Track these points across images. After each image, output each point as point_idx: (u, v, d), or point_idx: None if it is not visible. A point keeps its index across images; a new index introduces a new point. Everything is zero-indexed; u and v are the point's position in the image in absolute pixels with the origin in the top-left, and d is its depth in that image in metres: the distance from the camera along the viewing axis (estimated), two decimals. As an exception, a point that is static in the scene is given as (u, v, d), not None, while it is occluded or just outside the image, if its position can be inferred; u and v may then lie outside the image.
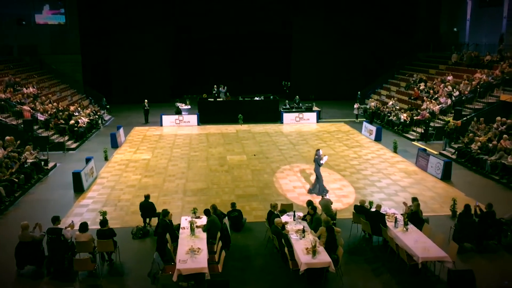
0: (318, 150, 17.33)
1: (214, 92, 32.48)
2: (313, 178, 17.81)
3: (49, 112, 25.79)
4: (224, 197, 16.68)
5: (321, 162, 16.75)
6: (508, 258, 12.27)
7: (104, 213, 13.54)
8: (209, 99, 31.65)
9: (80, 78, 36.07)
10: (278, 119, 30.89)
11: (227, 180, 18.72)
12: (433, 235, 12.06)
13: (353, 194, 17.10)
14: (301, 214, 13.20)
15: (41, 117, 24.82)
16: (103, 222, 12.06)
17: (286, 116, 30.69)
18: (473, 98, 26.04)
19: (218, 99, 31.56)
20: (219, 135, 27.14)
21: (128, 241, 13.14)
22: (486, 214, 12.97)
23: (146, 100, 31.16)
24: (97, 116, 29.70)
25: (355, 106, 31.97)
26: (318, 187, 16.91)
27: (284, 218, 12.91)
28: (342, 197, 16.68)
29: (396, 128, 27.90)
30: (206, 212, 12.55)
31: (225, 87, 32.47)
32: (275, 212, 12.94)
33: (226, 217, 13.50)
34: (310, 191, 17.00)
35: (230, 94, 32.55)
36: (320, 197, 15.76)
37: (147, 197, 14.08)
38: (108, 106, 33.81)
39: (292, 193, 17.08)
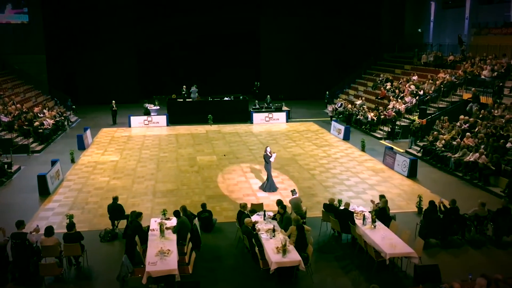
0: (267, 147, 17.55)
1: (183, 92, 32.26)
2: (265, 175, 17.85)
3: (12, 114, 25.06)
4: (194, 198, 16.59)
5: (271, 159, 16.96)
6: (471, 253, 12.54)
7: (70, 217, 13.26)
8: (178, 100, 31.43)
9: (45, 79, 35.17)
10: (248, 119, 30.91)
11: (197, 181, 18.63)
12: (400, 231, 12.22)
13: (322, 192, 17.29)
14: (271, 214, 13.22)
15: (4, 119, 24.10)
16: (70, 226, 11.81)
17: (256, 116, 30.74)
18: (437, 97, 26.65)
19: (187, 100, 31.38)
20: (189, 135, 26.99)
21: (96, 245, 12.92)
22: (450, 210, 13.21)
23: (113, 101, 30.66)
24: (63, 118, 29.06)
25: (329, 107, 31.70)
26: (267, 184, 17.13)
27: (254, 217, 12.89)
28: (311, 196, 16.81)
29: (363, 127, 28.28)
30: (176, 214, 12.45)
31: (196, 87, 32.31)
32: (245, 212, 12.94)
33: (196, 218, 13.41)
34: (261, 187, 17.36)
35: (200, 94, 32.40)
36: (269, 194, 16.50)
37: (115, 199, 13.89)
38: (74, 107, 33.13)
39: (262, 193, 17.08)
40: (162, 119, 29.93)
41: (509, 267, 11.67)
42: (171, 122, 30.01)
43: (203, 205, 14.06)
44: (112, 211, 13.78)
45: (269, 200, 15.93)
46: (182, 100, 31.26)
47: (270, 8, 39.03)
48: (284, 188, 17.58)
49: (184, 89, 32.33)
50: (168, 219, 12.87)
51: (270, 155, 17.11)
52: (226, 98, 31.46)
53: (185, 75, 37.44)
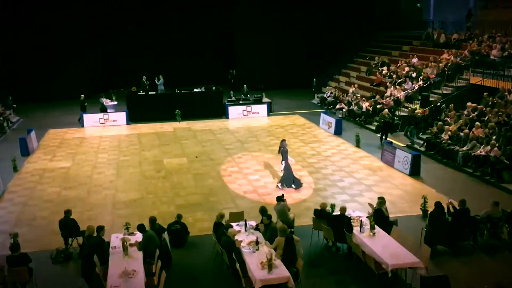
0: (283, 141, 18.32)
1: (145, 84, 31.98)
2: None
3: None
4: (162, 208, 16.58)
5: (292, 161, 18.36)
6: (485, 260, 12.70)
7: (15, 236, 13.05)
8: (139, 93, 31.19)
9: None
10: (223, 114, 30.87)
11: (165, 187, 18.60)
12: (403, 238, 12.33)
13: (313, 197, 17.35)
14: (254, 223, 13.27)
15: None
16: (15, 246, 11.67)
17: (232, 110, 30.74)
18: (441, 82, 27.05)
19: (150, 93, 31.16)
20: (153, 135, 26.87)
21: (47, 267, 12.81)
22: (460, 212, 13.40)
23: (82, 96, 30.56)
24: (1, 118, 28.62)
25: (338, 106, 30.24)
26: (287, 178, 17.92)
27: (234, 228, 12.90)
28: (300, 201, 16.92)
29: (358, 119, 28.55)
30: (141, 227, 12.38)
31: (161, 78, 32.14)
32: (223, 222, 12.94)
33: (166, 232, 13.37)
34: (278, 184, 18.10)
35: (165, 86, 32.29)
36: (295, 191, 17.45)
37: (68, 213, 13.80)
38: (15, 106, 32.60)
39: (243, 200, 17.16)
40: (121, 116, 29.73)
41: (528, 275, 11.95)
42: (131, 119, 29.82)
43: (178, 216, 14.13)
44: (64, 227, 13.66)
45: (251, 209, 15.91)
46: (144, 93, 31.07)
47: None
48: (267, 193, 17.71)
49: (145, 80, 32.07)
50: (132, 234, 12.80)
51: (286, 150, 18.18)
52: (196, 90, 31.28)
53: (148, 64, 37.16)
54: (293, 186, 17.99)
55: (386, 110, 24.84)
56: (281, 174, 18.56)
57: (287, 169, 18.17)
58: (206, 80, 36.35)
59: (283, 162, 18.16)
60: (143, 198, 17.57)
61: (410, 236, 12.62)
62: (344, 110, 29.72)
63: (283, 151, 18.21)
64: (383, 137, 23.87)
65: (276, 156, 22.07)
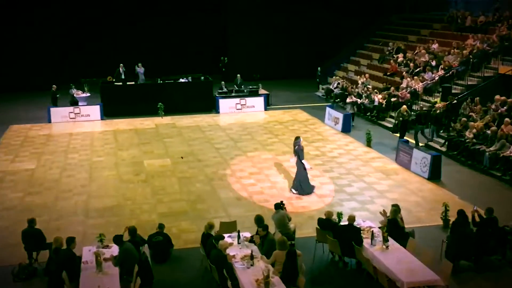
0: (297, 138, 18.38)
1: (120, 73, 31.89)
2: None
3: None
4: (143, 217, 16.55)
5: (307, 166, 18.26)
6: (515, 277, 12.88)
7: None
8: (116, 83, 31.14)
9: None
10: (213, 108, 30.95)
11: (146, 193, 18.60)
12: (420, 252, 12.32)
13: (316, 204, 17.36)
14: (248, 235, 13.28)
15: None
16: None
17: (223, 103, 30.79)
18: (465, 72, 27.04)
19: (128, 83, 31.09)
20: (132, 132, 26.88)
21: (7, 285, 12.68)
22: (486, 221, 13.35)
23: (54, 86, 30.57)
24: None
25: (348, 99, 29.02)
26: (299, 184, 18.03)
27: (226, 241, 12.89)
28: (302, 209, 16.94)
29: (369, 114, 28.61)
30: (117, 240, 12.32)
31: (141, 67, 32.07)
32: (213, 233, 12.92)
33: (146, 245, 13.35)
34: (292, 189, 18.26)
35: (146, 75, 32.21)
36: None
37: (32, 222, 13.69)
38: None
39: (235, 208, 17.12)
40: (95, 110, 29.73)
41: None
42: (107, 114, 29.82)
43: (160, 225, 14.06)
44: (28, 239, 13.51)
45: (247, 218, 15.91)
46: (121, 83, 31.01)
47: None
48: (264, 199, 17.72)
49: (121, 69, 31.99)
50: (107, 247, 12.77)
51: (302, 148, 18.27)
52: (182, 80, 31.33)
53: (126, 50, 37.10)
54: (306, 191, 18.09)
55: (405, 106, 24.47)
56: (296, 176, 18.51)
57: (301, 171, 18.19)
58: (193, 69, 36.46)
59: (303, 162, 18.17)
60: (120, 205, 17.52)
61: (429, 250, 12.62)
62: (356, 103, 28.83)
63: (298, 150, 18.17)
64: (403, 138, 23.57)
65: (275, 157, 22.16)
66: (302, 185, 18.16)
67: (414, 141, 22.89)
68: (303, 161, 18.23)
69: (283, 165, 21.14)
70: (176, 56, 39.26)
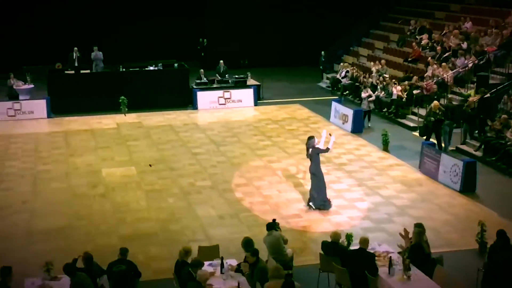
0: (311, 138, 18.36)
1: (74, 59, 31.70)
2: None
3: None
4: (101, 241, 16.43)
5: (329, 146, 18.25)
6: None
7: None
8: (67, 71, 30.93)
9: None
10: (189, 103, 31.03)
11: (105, 210, 18.53)
12: (450, 283, 12.29)
13: (320, 223, 17.31)
14: (234, 263, 13.16)
15: None
16: None
17: (203, 97, 30.86)
18: (506, 57, 26.98)
19: (82, 71, 30.91)
20: (88, 133, 26.89)
21: None
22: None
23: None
24: None
25: (363, 94, 28.47)
26: (316, 195, 18.04)
27: (206, 269, 12.79)
28: (301, 230, 16.92)
29: (385, 110, 28.48)
30: (68, 269, 12.19)
31: (99, 51, 31.91)
32: (189, 261, 12.79)
33: (105, 276, 13.21)
34: (310, 203, 18.34)
35: (106, 60, 31.99)
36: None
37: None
38: None
39: (218, 229, 17.05)
40: (40, 106, 29.67)
41: None
42: (55, 110, 29.82)
43: (123, 251, 13.79)
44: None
45: (231, 242, 15.77)
46: (73, 72, 30.79)
47: None
48: (254, 218, 17.63)
49: (76, 54, 31.77)
50: (55, 278, 12.68)
51: (316, 146, 18.23)
52: (150, 68, 31.32)
53: (80, 31, 36.87)
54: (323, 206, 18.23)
55: (437, 102, 23.83)
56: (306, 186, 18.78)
57: (320, 180, 18.25)
58: (164, 54, 36.40)
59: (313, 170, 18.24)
60: (72, 226, 17.42)
61: (461, 280, 12.59)
62: (371, 98, 28.20)
63: (313, 154, 18.14)
64: (440, 143, 23.33)
65: (267, 165, 22.02)
66: (319, 196, 18.28)
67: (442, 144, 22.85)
68: (330, 147, 18.33)
69: (277, 174, 21.04)
70: (143, 39, 39.16)
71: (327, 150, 18.19)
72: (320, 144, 18.26)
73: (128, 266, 13.47)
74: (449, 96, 26.74)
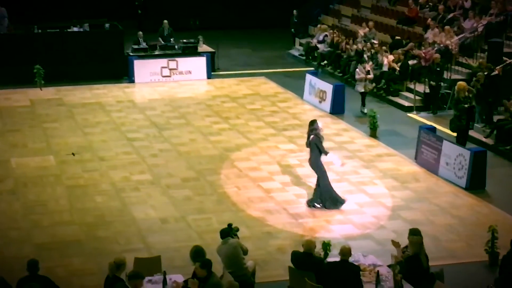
0: (313, 123, 18.55)
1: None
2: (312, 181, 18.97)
3: None
4: (8, 251, 16.35)
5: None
6: None
7: None
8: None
9: None
10: (125, 74, 31.18)
11: (13, 211, 18.54)
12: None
13: (290, 228, 17.36)
14: (180, 279, 13.14)
15: None
16: None
17: (141, 67, 31.32)
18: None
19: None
20: (-8, 112, 26.50)
21: None
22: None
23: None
24: None
25: (359, 73, 27.14)
26: (320, 193, 18.39)
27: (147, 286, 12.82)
28: (266, 236, 16.99)
29: (374, 85, 28.51)
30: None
31: (1, 6, 31.89)
32: (122, 276, 12.73)
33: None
34: (310, 203, 18.62)
35: (14, 19, 31.81)
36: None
37: None
38: None
39: (159, 235, 17.06)
40: None
41: None
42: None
43: (32, 264, 13.62)
44: None
45: (177, 252, 15.75)
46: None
47: None
48: (206, 222, 17.59)
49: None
50: None
51: (320, 133, 18.44)
52: (74, 29, 31.26)
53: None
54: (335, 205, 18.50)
55: (463, 83, 22.69)
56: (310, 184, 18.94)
57: (323, 175, 18.49)
58: (92, 11, 36.12)
59: (328, 156, 18.53)
60: (-29, 232, 17.20)
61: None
62: (370, 76, 26.93)
63: (315, 142, 18.25)
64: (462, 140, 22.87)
65: (223, 154, 21.98)
66: (325, 194, 18.52)
67: (446, 130, 22.93)
68: (327, 155, 18.48)
69: (236, 166, 21.00)
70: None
71: (326, 153, 18.38)
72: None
73: (43, 283, 13.36)
74: (454, 67, 26.89)
